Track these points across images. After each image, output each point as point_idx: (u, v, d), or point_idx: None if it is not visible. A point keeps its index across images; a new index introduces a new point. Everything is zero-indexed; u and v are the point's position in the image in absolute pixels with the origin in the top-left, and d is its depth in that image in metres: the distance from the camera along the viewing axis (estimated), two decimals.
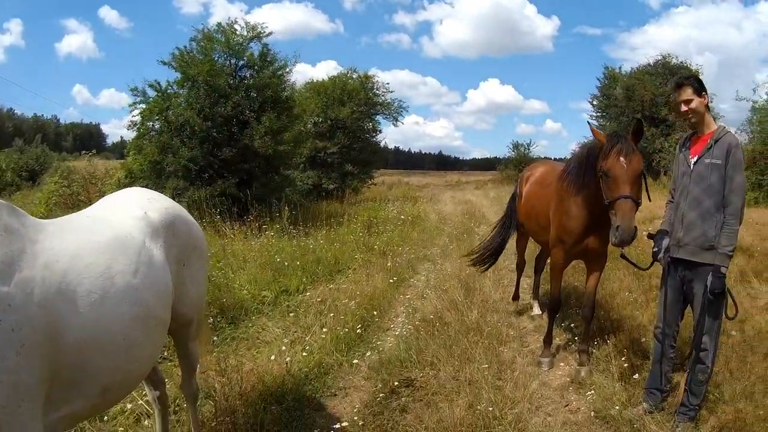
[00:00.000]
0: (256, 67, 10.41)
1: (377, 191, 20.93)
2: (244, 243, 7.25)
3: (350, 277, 6.67)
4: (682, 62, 22.57)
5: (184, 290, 2.33)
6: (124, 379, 1.90)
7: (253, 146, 9.48)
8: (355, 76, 19.90)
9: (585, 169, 3.72)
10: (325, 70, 23.47)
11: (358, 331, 4.66)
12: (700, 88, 3.07)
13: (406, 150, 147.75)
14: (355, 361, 4.14)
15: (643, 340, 4.31)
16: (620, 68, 25.12)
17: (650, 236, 3.39)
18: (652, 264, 3.50)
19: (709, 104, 3.23)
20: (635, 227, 3.23)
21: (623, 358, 3.88)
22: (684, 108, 3.10)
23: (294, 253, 7.01)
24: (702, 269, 3.03)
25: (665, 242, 3.21)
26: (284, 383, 3.59)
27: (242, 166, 9.55)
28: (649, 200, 3.53)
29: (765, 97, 15.41)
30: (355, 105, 18.45)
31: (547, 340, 4.35)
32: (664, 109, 19.75)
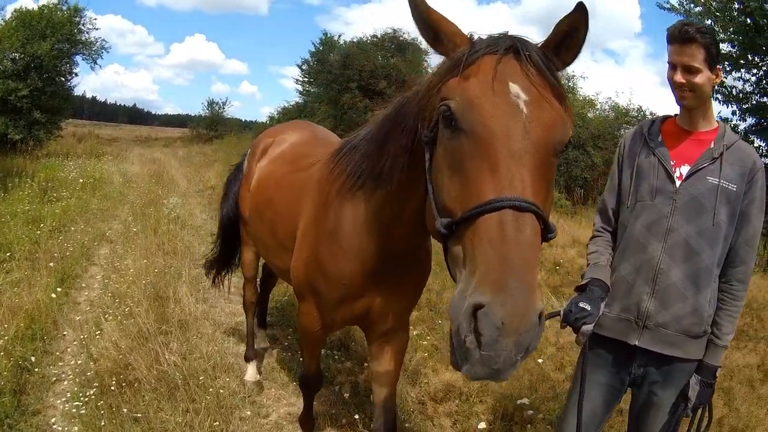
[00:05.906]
0: None
1: (66, 144, 18.77)
2: None
3: (12, 275, 4.63)
4: (414, 39, 19.16)
5: None
6: None
7: None
8: (64, 7, 17.52)
9: (393, 140, 1.66)
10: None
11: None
12: (715, 57, 1.76)
13: (103, 100, 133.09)
14: None
15: None
16: (340, 37, 23.75)
17: (579, 289, 1.87)
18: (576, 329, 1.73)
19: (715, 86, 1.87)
20: (541, 312, 1.03)
21: None
22: (680, 78, 1.76)
23: None
24: (681, 367, 1.85)
25: (602, 307, 1.77)
26: None
27: None
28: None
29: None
30: (56, 40, 16.33)
31: (306, 422, 2.84)
32: (383, 81, 18.06)
